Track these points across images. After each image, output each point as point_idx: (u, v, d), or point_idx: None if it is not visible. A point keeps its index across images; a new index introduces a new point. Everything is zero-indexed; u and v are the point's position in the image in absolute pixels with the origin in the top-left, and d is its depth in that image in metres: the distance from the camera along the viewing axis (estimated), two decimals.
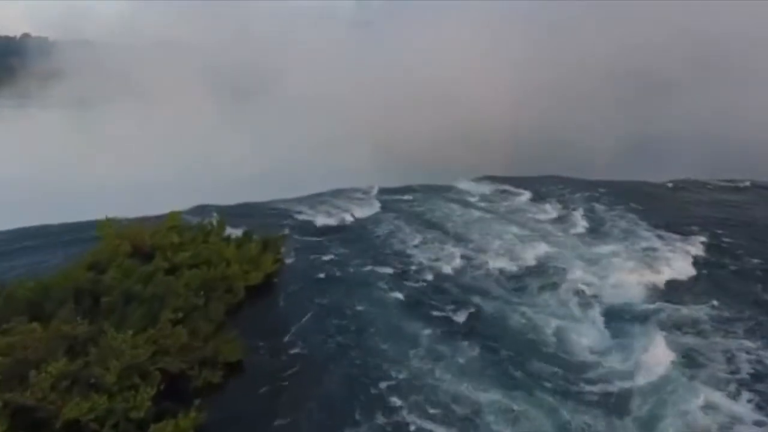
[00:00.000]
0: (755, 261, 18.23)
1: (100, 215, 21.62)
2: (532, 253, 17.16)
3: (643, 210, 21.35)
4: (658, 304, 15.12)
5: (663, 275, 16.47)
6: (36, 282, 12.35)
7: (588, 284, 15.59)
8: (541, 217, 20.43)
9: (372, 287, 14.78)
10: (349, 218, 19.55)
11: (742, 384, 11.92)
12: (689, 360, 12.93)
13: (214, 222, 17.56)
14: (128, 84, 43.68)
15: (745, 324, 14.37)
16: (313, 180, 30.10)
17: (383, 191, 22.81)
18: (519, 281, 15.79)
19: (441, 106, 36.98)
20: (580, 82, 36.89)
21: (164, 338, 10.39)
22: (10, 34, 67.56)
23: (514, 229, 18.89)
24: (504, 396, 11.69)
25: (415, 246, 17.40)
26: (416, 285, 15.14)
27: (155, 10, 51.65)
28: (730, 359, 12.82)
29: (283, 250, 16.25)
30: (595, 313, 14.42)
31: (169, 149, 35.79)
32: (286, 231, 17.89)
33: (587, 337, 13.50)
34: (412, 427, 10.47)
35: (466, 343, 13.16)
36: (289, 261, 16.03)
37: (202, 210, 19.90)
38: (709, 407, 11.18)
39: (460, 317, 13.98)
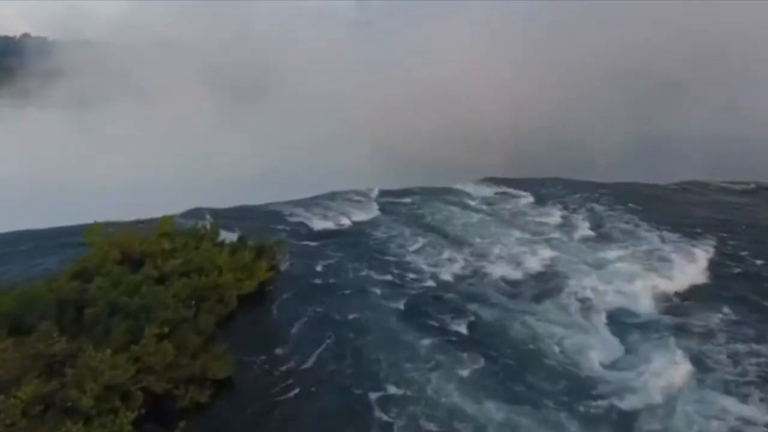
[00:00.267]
0: (760, 263, 17.59)
1: (98, 216, 20.99)
2: (535, 258, 16.41)
3: (647, 212, 20.58)
4: (667, 312, 14.44)
5: (670, 280, 15.73)
6: (20, 291, 11.63)
7: (593, 291, 14.85)
8: (544, 220, 19.65)
9: (369, 295, 14.03)
10: (347, 222, 18.79)
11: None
12: (703, 371, 12.21)
13: (208, 226, 16.83)
14: (128, 84, 42.92)
15: (757, 331, 13.65)
16: (313, 181, 29.36)
17: (383, 193, 22.00)
18: (522, 288, 15.04)
19: (441, 106, 36.21)
20: (582, 83, 36.07)
21: (149, 355, 9.63)
22: (10, 34, 66.91)
23: (516, 233, 18.11)
24: (507, 411, 10.97)
25: (415, 251, 16.64)
26: (415, 293, 14.38)
27: (155, 10, 51.02)
28: (747, 370, 12.12)
29: (278, 256, 15.49)
30: (602, 322, 13.68)
31: (168, 150, 35.06)
32: (283, 235, 17.14)
33: (594, 348, 12.73)
34: None
35: (466, 354, 12.42)
36: (284, 267, 15.28)
37: (196, 213, 19.14)
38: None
39: (461, 327, 13.25)
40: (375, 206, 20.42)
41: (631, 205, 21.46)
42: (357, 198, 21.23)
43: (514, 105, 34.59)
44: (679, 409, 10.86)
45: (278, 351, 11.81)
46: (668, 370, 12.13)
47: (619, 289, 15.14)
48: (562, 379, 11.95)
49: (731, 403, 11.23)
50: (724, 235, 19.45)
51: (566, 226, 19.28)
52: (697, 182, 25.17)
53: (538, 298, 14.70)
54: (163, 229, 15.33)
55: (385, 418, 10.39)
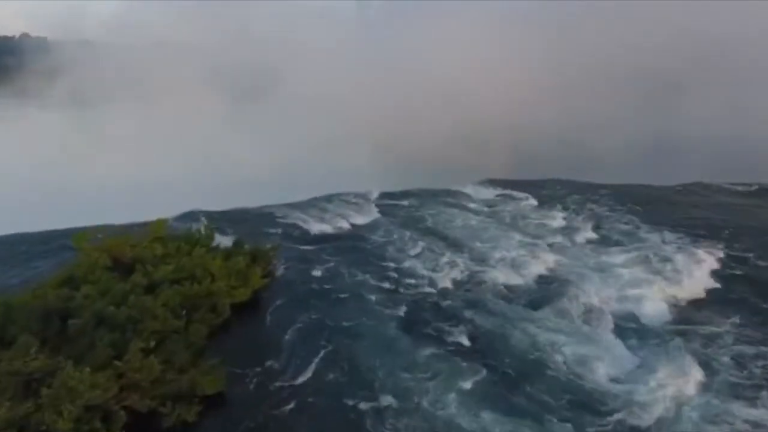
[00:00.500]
0: (765, 265, 17.03)
1: (96, 217, 20.39)
2: (539, 264, 15.76)
3: (650, 215, 19.93)
4: (674, 319, 13.88)
5: (676, 285, 15.13)
6: (1, 301, 11.05)
7: (598, 297, 14.23)
8: (546, 223, 18.99)
9: (367, 302, 13.42)
10: (345, 225, 18.16)
11: None
12: (714, 381, 11.62)
13: (203, 230, 16.22)
14: (127, 84, 42.29)
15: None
16: (313, 181, 28.71)
17: (383, 195, 21.34)
18: (525, 296, 14.40)
19: (442, 106, 35.52)
20: (585, 83, 35.36)
21: (133, 372, 9.04)
22: (9, 33, 66.09)
23: (520, 238, 17.45)
24: (507, 425, 10.40)
25: (414, 256, 16.00)
26: (414, 300, 13.77)
27: (155, 10, 50.25)
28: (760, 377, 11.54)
29: (274, 261, 14.88)
30: (608, 330, 13.06)
31: (167, 150, 34.41)
32: (279, 239, 16.51)
33: (600, 358, 12.12)
34: None
35: (465, 364, 11.83)
36: (280, 272, 14.66)
37: (191, 216, 18.48)
38: None
39: (460, 336, 12.63)
40: (374, 209, 19.76)
41: (634, 207, 20.81)
42: (356, 200, 20.58)
43: (516, 105, 33.89)
44: (691, 426, 10.25)
45: (272, 363, 11.19)
46: (678, 381, 11.55)
47: (624, 295, 14.57)
48: (566, 391, 11.36)
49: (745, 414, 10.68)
50: (729, 237, 18.82)
51: (569, 229, 18.63)
52: (699, 184, 24.48)
53: (540, 305, 14.07)
54: (155, 233, 14.73)
55: None
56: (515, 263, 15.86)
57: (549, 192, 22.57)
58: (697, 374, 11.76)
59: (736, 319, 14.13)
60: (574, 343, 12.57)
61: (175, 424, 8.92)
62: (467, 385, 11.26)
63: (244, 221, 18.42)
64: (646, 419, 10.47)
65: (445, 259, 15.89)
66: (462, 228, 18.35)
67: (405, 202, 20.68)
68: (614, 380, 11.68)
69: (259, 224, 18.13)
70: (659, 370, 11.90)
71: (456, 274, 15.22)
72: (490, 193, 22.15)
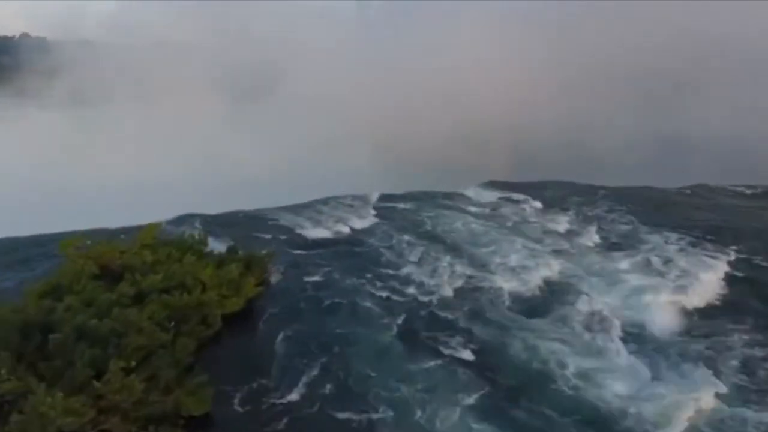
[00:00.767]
0: None
1: (93, 219, 19.71)
2: (544, 271, 14.99)
3: (657, 218, 19.16)
4: (685, 329, 13.07)
5: (687, 294, 14.35)
6: None
7: (605, 307, 13.46)
8: (550, 227, 18.19)
9: (364, 313, 12.68)
10: (343, 229, 17.40)
11: None
12: (731, 396, 10.90)
13: (196, 236, 15.49)
14: (127, 84, 41.60)
15: None
16: (312, 182, 28.07)
17: (382, 198, 20.59)
18: (528, 304, 13.66)
19: (444, 107, 34.79)
20: (587, 83, 34.53)
21: (113, 393, 8.31)
22: (9, 33, 65.22)
23: (524, 243, 16.66)
24: None
25: (414, 262, 15.25)
26: (414, 310, 13.02)
27: (155, 10, 49.52)
28: None
29: (269, 268, 14.15)
30: (616, 342, 12.30)
31: (166, 151, 33.75)
32: (275, 245, 15.77)
33: (610, 373, 11.38)
34: None
35: (467, 379, 11.14)
36: (275, 280, 13.92)
37: (185, 220, 17.74)
38: None
39: (461, 349, 11.90)
40: (373, 212, 19.01)
41: (638, 209, 20.05)
42: (355, 203, 19.84)
43: (517, 105, 33.12)
44: None
45: (263, 378, 10.48)
46: (692, 396, 10.83)
47: (631, 302, 13.81)
48: (572, 407, 10.64)
49: None
50: (735, 240, 18.05)
51: (573, 234, 17.84)
52: (705, 186, 23.67)
53: (544, 314, 13.35)
54: (145, 239, 14.00)
55: None
56: (518, 269, 15.11)
57: (551, 194, 21.78)
58: (711, 388, 11.07)
59: (747, 326, 13.40)
60: (580, 355, 11.85)
61: None
62: (467, 400, 10.57)
63: (240, 225, 17.69)
64: None
65: (445, 266, 15.14)
66: (463, 232, 17.59)
67: (405, 205, 19.92)
68: (623, 396, 10.95)
69: (255, 228, 17.39)
70: (671, 385, 11.20)
71: (456, 281, 14.48)
72: (491, 195, 21.36)
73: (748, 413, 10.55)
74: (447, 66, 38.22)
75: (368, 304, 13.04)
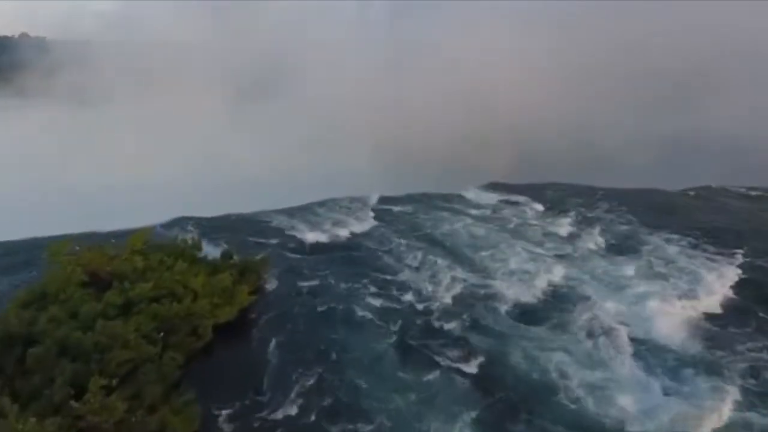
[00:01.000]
0: None
1: (89, 222, 19.14)
2: (548, 277, 14.40)
3: (663, 222, 18.53)
4: (696, 339, 12.41)
5: (696, 300, 13.80)
6: None
7: (616, 318, 12.82)
8: (553, 231, 17.58)
9: (362, 323, 12.12)
10: (342, 233, 16.83)
11: None
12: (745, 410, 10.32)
13: (189, 240, 14.92)
14: (126, 84, 40.93)
15: None
16: (313, 182, 27.44)
17: (382, 200, 19.99)
18: (531, 313, 13.07)
19: (448, 108, 34.09)
20: (592, 84, 33.68)
21: (93, 414, 7.74)
22: (8, 33, 64.57)
23: (525, 247, 16.09)
24: None
25: (415, 268, 14.67)
26: (413, 320, 12.44)
27: (154, 10, 48.92)
28: None
29: (264, 275, 13.57)
30: (626, 354, 11.69)
31: (165, 151, 33.03)
32: (271, 250, 15.17)
33: (618, 386, 10.80)
34: None
35: (466, 392, 10.60)
36: (270, 288, 13.34)
37: (180, 223, 17.16)
38: None
39: (462, 361, 11.33)
40: (372, 215, 18.43)
41: (643, 212, 19.43)
42: (353, 205, 19.26)
43: (520, 106, 32.35)
44: None
45: (255, 395, 9.93)
46: (706, 413, 10.25)
47: (640, 312, 13.19)
48: (578, 423, 10.08)
49: None
50: (742, 244, 17.50)
51: (577, 238, 17.23)
52: (711, 188, 23.01)
53: (547, 324, 12.76)
54: (136, 244, 13.42)
55: None
56: (521, 276, 14.51)
57: (552, 196, 21.15)
58: (727, 401, 10.50)
59: (752, 330, 12.97)
60: (586, 367, 11.29)
61: None
62: (465, 413, 10.05)
63: (235, 228, 17.09)
64: None
65: (444, 271, 14.55)
66: (463, 236, 16.99)
67: (404, 208, 19.32)
68: (630, 409, 10.38)
69: (251, 232, 16.80)
70: (683, 398, 10.64)
71: (456, 287, 13.89)
72: (492, 197, 20.71)
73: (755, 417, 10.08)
74: (451, 67, 37.58)
75: (365, 312, 12.48)
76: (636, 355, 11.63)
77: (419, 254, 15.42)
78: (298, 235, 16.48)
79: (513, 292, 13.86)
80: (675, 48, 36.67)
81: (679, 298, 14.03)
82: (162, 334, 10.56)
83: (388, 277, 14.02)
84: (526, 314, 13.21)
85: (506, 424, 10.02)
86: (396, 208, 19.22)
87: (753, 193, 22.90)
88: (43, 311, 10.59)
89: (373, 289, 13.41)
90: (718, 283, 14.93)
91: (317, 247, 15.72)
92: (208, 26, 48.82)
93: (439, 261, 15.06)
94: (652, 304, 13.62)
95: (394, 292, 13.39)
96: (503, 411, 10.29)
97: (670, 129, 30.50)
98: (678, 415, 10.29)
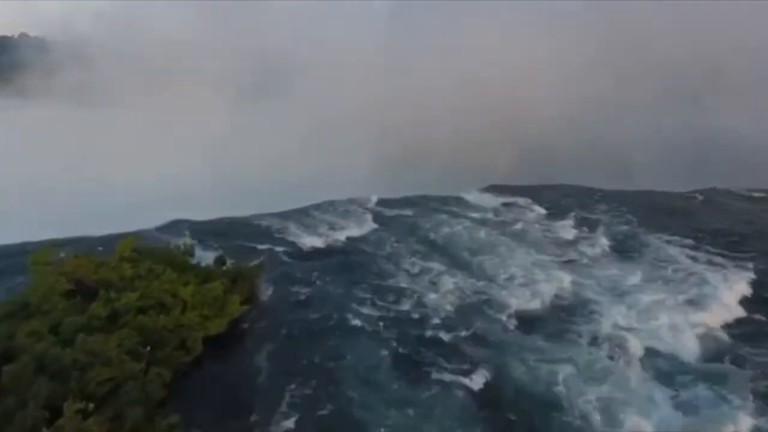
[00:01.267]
0: None
1: (88, 224, 18.51)
2: (553, 285, 13.65)
3: (671, 226, 17.81)
4: (712, 352, 11.66)
5: (709, 311, 12.99)
6: None
7: (627, 330, 12.05)
8: (557, 236, 16.87)
9: (359, 336, 11.41)
10: (340, 237, 16.17)
11: None
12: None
13: (182, 246, 14.24)
14: (125, 84, 40.20)
15: None
16: (312, 184, 26.76)
17: (381, 203, 19.30)
18: (537, 324, 12.33)
19: (448, 108, 33.32)
20: (598, 84, 32.73)
21: None
22: (8, 33, 63.68)
23: (529, 253, 15.36)
24: None
25: (414, 274, 13.99)
26: (413, 332, 11.74)
27: (155, 9, 48.09)
28: None
29: (258, 283, 12.91)
30: (637, 368, 10.93)
31: (164, 152, 32.29)
32: (266, 256, 14.53)
33: (631, 404, 10.07)
34: None
35: (467, 407, 9.91)
36: (264, 297, 12.66)
37: (174, 226, 16.49)
38: None
39: (465, 376, 10.59)
40: (371, 218, 17.77)
41: (649, 216, 18.73)
42: (351, 208, 18.59)
43: (523, 107, 31.53)
44: None
45: (245, 414, 9.22)
46: (718, 427, 9.59)
47: (650, 325, 12.41)
48: None
49: None
50: (753, 249, 16.87)
51: (581, 242, 16.51)
52: (718, 190, 22.23)
53: (553, 335, 12.01)
54: (124, 251, 12.73)
55: None
56: (523, 283, 13.78)
57: (555, 199, 20.44)
58: (740, 416, 9.83)
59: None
60: (597, 383, 10.53)
61: None
62: (466, 431, 9.36)
63: (231, 233, 16.43)
64: None
65: (445, 278, 13.84)
66: (464, 240, 16.27)
67: (403, 211, 18.64)
68: (642, 427, 9.70)
69: (247, 236, 16.14)
70: (695, 413, 9.96)
71: (457, 296, 13.18)
72: (493, 200, 19.99)
73: None
74: (454, 67, 36.83)
75: (361, 323, 11.80)
76: (645, 367, 10.94)
77: (418, 259, 14.76)
78: (295, 239, 15.83)
79: (515, 300, 13.16)
80: (681, 47, 35.78)
81: (688, 306, 13.32)
82: (148, 348, 9.92)
83: (386, 285, 13.33)
84: (528, 324, 12.51)
85: None
86: (395, 211, 18.55)
87: (756, 194, 22.12)
88: (25, 323, 9.94)
89: (370, 297, 12.74)
90: (727, 290, 14.19)
91: (313, 252, 15.05)
92: (207, 26, 48.07)
93: (439, 267, 14.39)
94: (660, 313, 12.92)
95: (392, 301, 12.71)
96: (504, 428, 9.60)
97: (676, 129, 29.63)
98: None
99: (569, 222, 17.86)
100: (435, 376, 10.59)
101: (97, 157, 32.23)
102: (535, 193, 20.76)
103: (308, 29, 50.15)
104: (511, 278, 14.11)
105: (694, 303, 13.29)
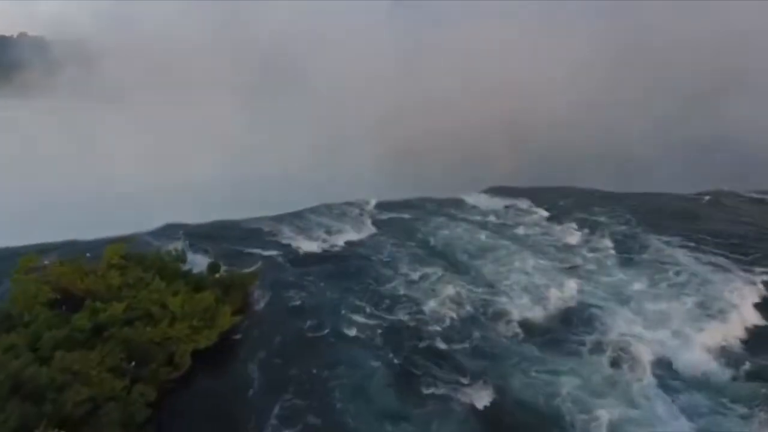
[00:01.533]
0: None
1: (84, 226, 17.83)
2: (556, 291, 12.96)
3: (678, 229, 17.03)
4: (729, 367, 10.88)
5: (723, 321, 12.26)
6: None
7: (632, 339, 11.37)
8: (562, 240, 16.10)
9: (358, 350, 10.74)
10: (338, 242, 15.47)
11: None
12: None
13: (173, 252, 13.56)
14: (124, 84, 39.47)
15: None
16: (311, 185, 26.13)
17: (380, 206, 18.60)
18: (541, 334, 11.68)
19: (449, 109, 32.60)
20: (607, 85, 31.88)
21: None
22: (8, 33, 62.90)
23: (533, 258, 14.62)
24: None
25: (414, 282, 13.29)
26: (413, 343, 11.08)
27: (154, 9, 47.31)
28: None
29: (252, 291, 12.25)
30: (650, 384, 10.24)
31: (163, 153, 31.62)
32: (261, 262, 13.83)
33: (641, 424, 9.42)
34: None
35: (468, 424, 9.31)
36: (258, 306, 12.00)
37: (168, 231, 15.77)
38: None
39: (464, 390, 9.93)
40: (370, 222, 17.09)
41: (657, 219, 17.95)
42: (351, 211, 17.91)
43: (525, 107, 30.74)
44: None
45: None
46: None
47: (656, 333, 11.76)
48: None
49: None
50: (758, 251, 16.04)
51: (588, 247, 15.74)
52: (725, 192, 21.38)
53: (558, 348, 11.34)
54: (112, 258, 12.05)
55: None
56: (530, 292, 13.01)
57: (558, 201, 19.59)
58: None
59: None
60: (607, 401, 9.88)
61: None
62: None
63: (226, 237, 15.69)
64: None
65: (445, 285, 13.10)
66: (465, 245, 15.52)
67: (403, 214, 17.92)
68: None
69: (242, 241, 15.40)
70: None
71: (458, 304, 12.46)
72: (495, 202, 19.21)
73: None
74: (456, 67, 36.14)
75: (359, 334, 11.15)
76: (651, 379, 10.27)
77: (418, 265, 14.05)
78: (291, 243, 15.12)
79: (518, 308, 12.49)
80: (689, 48, 34.92)
81: (695, 313, 12.64)
82: (133, 363, 9.26)
83: (384, 292, 12.66)
84: (530, 332, 11.88)
85: None
86: (394, 214, 17.83)
87: (765, 197, 21.30)
88: (4, 336, 9.28)
89: (366, 305, 12.09)
90: (737, 298, 13.45)
91: (310, 258, 14.35)
92: (207, 24, 47.34)
93: (439, 273, 13.67)
94: (666, 320, 12.28)
95: (389, 309, 12.07)
96: None
97: (682, 131, 28.72)
98: None
99: (572, 225, 17.09)
100: (432, 389, 9.99)
101: (95, 158, 31.62)
102: (538, 195, 19.98)
103: (310, 28, 49.41)
104: (512, 285, 13.40)
105: (704, 311, 12.58)
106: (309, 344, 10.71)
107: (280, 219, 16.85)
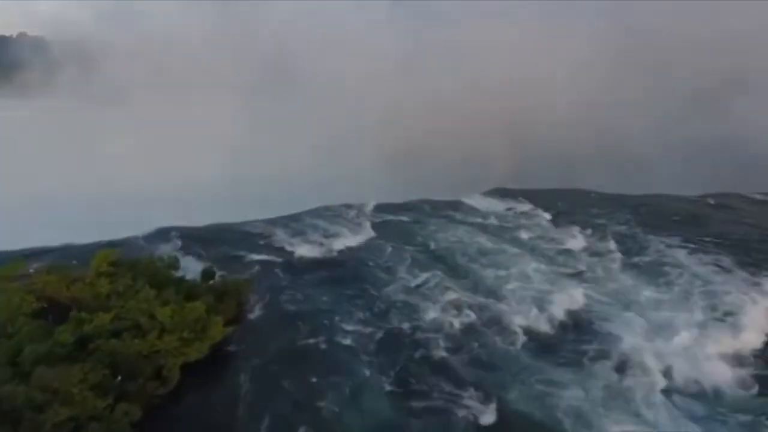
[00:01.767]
0: None
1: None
2: (565, 301, 12.32)
3: (685, 233, 16.46)
4: (745, 383, 10.25)
5: (737, 331, 11.63)
6: None
7: (650, 355, 10.65)
8: (566, 245, 15.45)
9: (355, 362, 10.18)
10: (336, 246, 14.88)
11: None
12: None
13: (166, 258, 13.00)
14: (123, 84, 38.89)
15: None
16: (311, 185, 25.57)
17: (379, 208, 18.03)
18: (544, 345, 11.09)
19: (450, 109, 32.03)
20: (609, 85, 31.29)
21: None
22: (7, 33, 62.28)
23: (536, 264, 14.01)
24: None
25: (414, 289, 12.73)
26: (413, 354, 10.49)
27: (153, 8, 46.75)
28: None
29: (247, 298, 11.69)
30: (662, 402, 9.59)
31: (161, 154, 31.03)
32: (257, 267, 13.31)
33: None
34: None
35: None
36: (252, 315, 11.42)
37: (163, 234, 15.22)
38: None
39: (463, 403, 9.34)
40: (368, 225, 16.49)
41: (663, 222, 17.38)
42: (349, 214, 17.33)
43: (527, 107, 30.14)
44: None
45: None
46: None
47: (663, 342, 11.13)
48: None
49: None
50: (762, 255, 15.43)
51: (592, 252, 15.11)
52: (731, 194, 20.78)
53: (561, 358, 10.73)
54: (101, 265, 11.49)
55: None
56: (535, 301, 12.36)
57: (561, 204, 19.01)
58: None
59: None
60: (618, 419, 9.24)
61: None
62: None
63: (222, 241, 15.11)
64: None
65: (446, 293, 12.53)
66: (467, 250, 14.92)
67: (402, 217, 17.34)
68: None
69: (238, 245, 14.82)
70: None
71: (458, 312, 11.85)
72: (496, 204, 18.62)
73: None
74: (457, 68, 35.53)
75: (356, 345, 10.59)
76: (673, 400, 9.64)
77: (417, 270, 13.49)
78: (288, 247, 14.56)
79: (521, 317, 11.89)
80: (696, 50, 34.26)
81: (721, 332, 11.80)
82: (119, 378, 8.72)
83: (381, 299, 12.12)
84: (535, 344, 11.27)
85: None
86: (393, 217, 17.26)
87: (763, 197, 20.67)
88: None
89: (367, 317, 11.50)
90: (745, 303, 12.87)
91: (307, 263, 13.78)
92: (207, 24, 46.71)
93: (439, 280, 13.10)
94: (674, 329, 11.65)
95: (386, 318, 11.51)
96: None
97: (689, 133, 28.07)
98: None
99: (574, 228, 16.49)
100: (428, 401, 9.42)
101: (92, 158, 31.04)
102: (540, 197, 19.41)
103: (310, 28, 48.79)
104: (516, 293, 12.80)
105: (726, 326, 11.82)
106: (303, 355, 10.16)
107: (277, 222, 16.28)
